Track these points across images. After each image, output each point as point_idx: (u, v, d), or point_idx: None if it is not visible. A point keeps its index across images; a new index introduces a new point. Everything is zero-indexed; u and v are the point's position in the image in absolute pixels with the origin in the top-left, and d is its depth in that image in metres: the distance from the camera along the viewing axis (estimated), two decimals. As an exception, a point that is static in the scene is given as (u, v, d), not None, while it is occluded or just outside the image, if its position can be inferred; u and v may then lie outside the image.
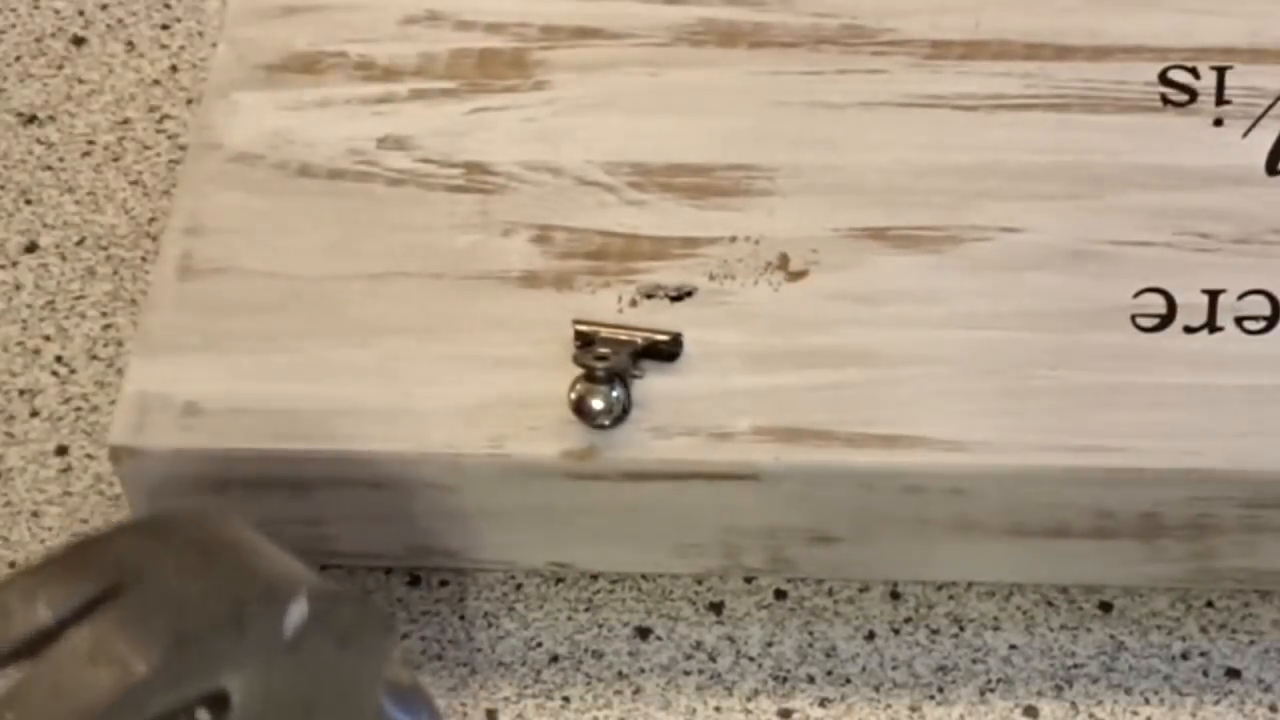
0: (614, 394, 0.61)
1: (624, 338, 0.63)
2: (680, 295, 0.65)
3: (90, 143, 0.77)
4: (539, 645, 0.65)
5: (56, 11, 0.82)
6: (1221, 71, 0.69)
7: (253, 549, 0.52)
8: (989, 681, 0.64)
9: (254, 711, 0.51)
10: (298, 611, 0.51)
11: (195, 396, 0.63)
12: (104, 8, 0.82)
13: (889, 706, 0.64)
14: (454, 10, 0.72)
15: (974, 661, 0.65)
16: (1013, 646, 0.65)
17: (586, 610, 0.66)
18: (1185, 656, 0.64)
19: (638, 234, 0.66)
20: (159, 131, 0.78)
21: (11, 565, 0.67)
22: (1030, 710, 0.64)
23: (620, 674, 0.65)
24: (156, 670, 0.48)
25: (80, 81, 0.80)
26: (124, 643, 0.48)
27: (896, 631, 0.65)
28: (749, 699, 0.64)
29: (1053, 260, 0.65)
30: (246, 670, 0.50)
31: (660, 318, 0.64)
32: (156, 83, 0.80)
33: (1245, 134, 0.67)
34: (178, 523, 0.53)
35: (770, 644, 0.65)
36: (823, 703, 0.64)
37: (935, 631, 0.65)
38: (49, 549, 0.53)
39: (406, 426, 0.63)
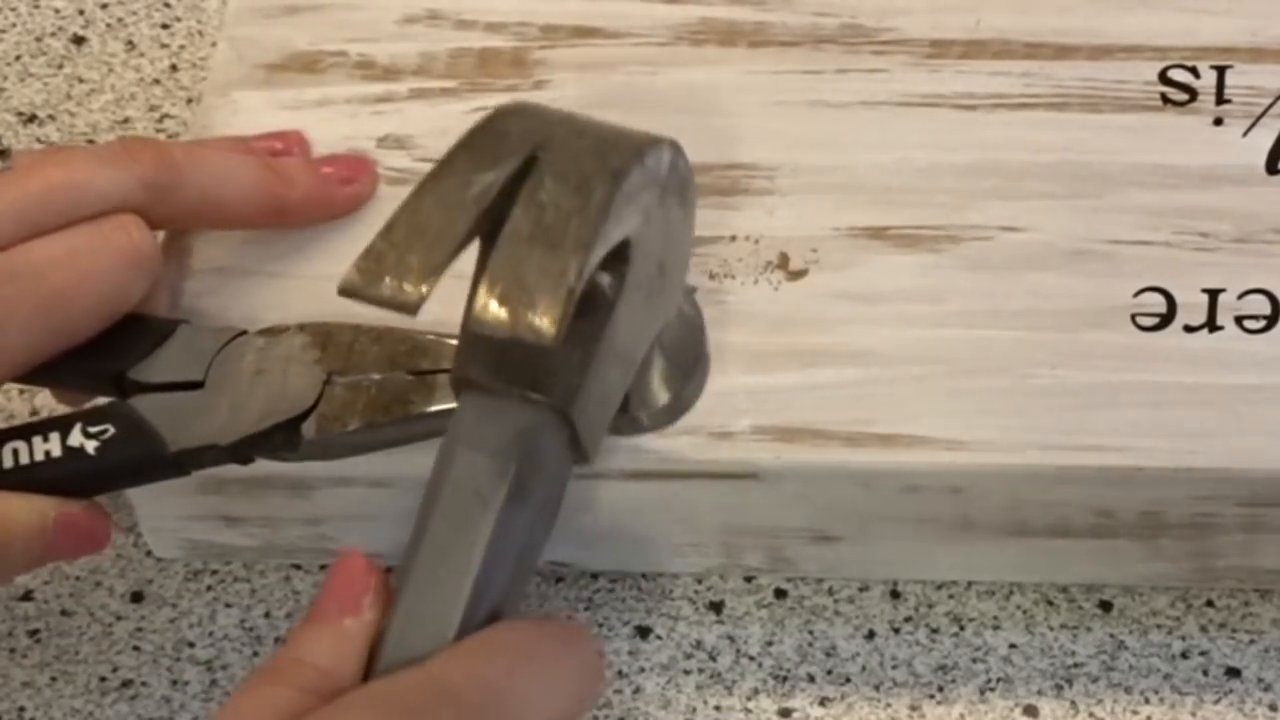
0: (614, 393, 0.61)
1: (624, 336, 0.63)
2: (680, 295, 0.65)
3: (90, 141, 0.77)
4: (539, 644, 0.65)
5: (56, 11, 0.82)
6: (1221, 71, 0.69)
7: (588, 117, 0.55)
8: (989, 680, 0.64)
9: (640, 268, 0.55)
10: (667, 157, 0.55)
11: (195, 396, 0.63)
12: (104, 7, 0.82)
13: (889, 705, 0.64)
14: (454, 9, 0.72)
15: (974, 660, 0.65)
16: (1013, 645, 0.65)
17: (586, 610, 0.66)
18: (1185, 656, 0.64)
19: (638, 233, 0.66)
20: (159, 130, 0.78)
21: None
22: (1030, 709, 0.64)
23: (620, 673, 0.65)
24: (610, 196, 0.52)
25: (80, 81, 0.80)
26: (573, 189, 0.52)
27: (896, 631, 0.65)
28: (749, 698, 0.64)
29: (1053, 260, 0.65)
30: (638, 220, 0.54)
31: (660, 317, 0.64)
32: (156, 82, 0.80)
33: (1245, 133, 0.67)
34: (533, 105, 0.56)
35: (770, 643, 0.65)
36: (823, 701, 0.64)
37: (935, 631, 0.65)
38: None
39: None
